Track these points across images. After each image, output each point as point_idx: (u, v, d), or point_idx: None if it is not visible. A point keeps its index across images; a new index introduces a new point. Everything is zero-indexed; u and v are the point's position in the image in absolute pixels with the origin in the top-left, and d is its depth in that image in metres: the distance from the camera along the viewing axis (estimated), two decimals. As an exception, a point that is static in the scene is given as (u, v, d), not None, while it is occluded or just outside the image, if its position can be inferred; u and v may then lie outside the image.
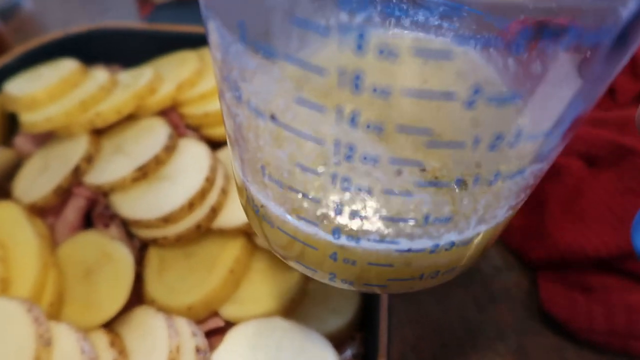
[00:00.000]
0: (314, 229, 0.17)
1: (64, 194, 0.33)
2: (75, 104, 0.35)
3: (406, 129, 0.14)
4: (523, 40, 0.12)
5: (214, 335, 0.28)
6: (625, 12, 0.11)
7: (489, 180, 0.15)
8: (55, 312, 0.28)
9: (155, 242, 0.31)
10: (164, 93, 0.37)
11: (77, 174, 0.33)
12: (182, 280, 0.30)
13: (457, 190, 0.15)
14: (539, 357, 0.36)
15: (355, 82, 0.12)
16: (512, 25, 0.11)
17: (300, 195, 0.16)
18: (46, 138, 0.37)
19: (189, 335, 0.26)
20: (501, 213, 0.17)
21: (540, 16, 0.11)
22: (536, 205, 0.39)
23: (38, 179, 0.34)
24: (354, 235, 0.16)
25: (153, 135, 0.34)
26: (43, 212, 0.33)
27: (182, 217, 0.30)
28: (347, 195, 0.15)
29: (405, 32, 0.18)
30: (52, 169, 0.34)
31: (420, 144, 0.14)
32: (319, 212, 0.16)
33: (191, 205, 0.30)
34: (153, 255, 0.31)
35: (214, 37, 0.15)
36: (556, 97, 0.14)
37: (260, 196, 0.18)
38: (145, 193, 0.32)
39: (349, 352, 0.28)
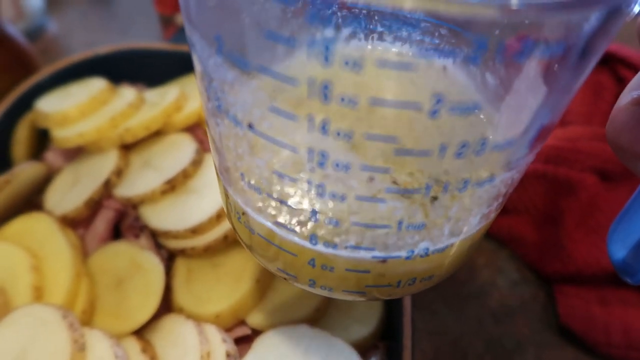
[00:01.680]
0: (291, 236, 0.17)
1: (94, 206, 0.34)
2: (105, 120, 0.36)
3: (374, 137, 0.15)
4: (500, 54, 0.12)
5: (241, 343, 0.29)
6: (587, 27, 0.12)
7: (458, 188, 0.16)
8: (87, 320, 0.29)
9: (183, 252, 0.32)
10: (190, 110, 0.38)
11: (107, 187, 0.34)
12: (209, 289, 0.30)
13: (427, 198, 0.16)
14: (558, 370, 0.36)
15: (324, 92, 0.13)
16: (490, 40, 0.12)
17: (278, 202, 0.17)
18: (75, 153, 0.38)
19: (219, 342, 0.27)
20: (474, 221, 0.18)
21: (513, 31, 0.12)
22: (551, 219, 0.40)
23: (69, 192, 0.35)
24: (330, 242, 0.17)
25: (180, 150, 0.36)
26: (73, 224, 0.34)
27: (209, 228, 0.31)
28: (322, 201, 0.16)
29: (387, 46, 0.19)
30: (83, 182, 0.35)
31: (388, 152, 0.15)
32: (296, 219, 0.17)
33: (219, 216, 0.31)
34: (181, 266, 0.32)
35: (195, 49, 0.16)
36: (521, 107, 0.15)
37: (241, 203, 0.18)
38: (174, 205, 0.33)
39: (373, 361, 0.28)
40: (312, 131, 0.14)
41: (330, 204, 0.16)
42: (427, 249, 0.17)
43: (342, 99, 0.13)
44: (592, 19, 0.12)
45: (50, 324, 0.27)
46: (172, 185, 0.33)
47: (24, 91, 0.41)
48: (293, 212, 0.17)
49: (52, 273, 0.30)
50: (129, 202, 0.33)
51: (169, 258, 0.33)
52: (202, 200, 0.33)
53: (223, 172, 0.19)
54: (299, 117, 0.14)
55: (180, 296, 0.30)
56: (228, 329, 0.29)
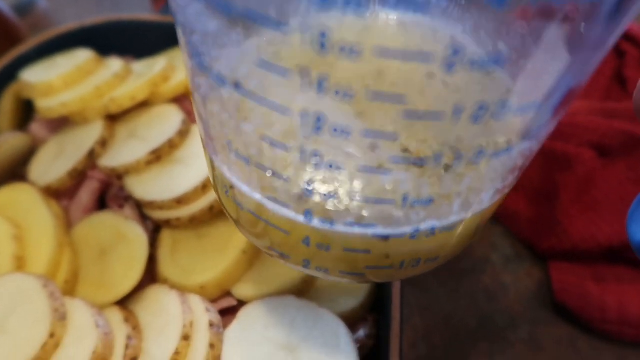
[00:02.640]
0: (284, 211, 0.16)
1: (78, 176, 0.33)
2: (90, 90, 0.35)
3: (379, 96, 0.13)
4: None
5: (227, 314, 0.28)
6: None
7: (472, 158, 0.14)
8: (69, 290, 0.29)
9: (168, 223, 0.31)
10: (177, 81, 0.37)
11: (91, 157, 0.33)
12: (195, 260, 0.30)
13: (438, 169, 0.14)
14: (551, 347, 0.36)
15: (321, 40, 0.11)
16: None
17: (269, 173, 0.15)
18: (61, 124, 0.38)
19: (202, 311, 0.26)
20: (487, 197, 0.16)
21: None
22: (546, 195, 0.39)
23: (53, 163, 0.34)
24: (327, 218, 0.15)
25: (167, 120, 0.35)
26: (58, 194, 0.33)
27: (195, 198, 0.30)
28: (319, 172, 0.14)
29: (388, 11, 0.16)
30: (67, 153, 0.34)
31: (395, 114, 0.13)
32: (289, 192, 0.15)
33: (204, 186, 0.31)
34: (166, 237, 0.31)
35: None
36: (546, 67, 0.13)
37: (228, 175, 0.16)
38: (159, 176, 0.32)
39: (361, 333, 0.28)
40: (306, 89, 0.12)
41: (327, 175, 0.14)
42: (434, 226, 0.15)
43: (342, 49, 0.11)
44: None
45: (31, 292, 0.26)
46: (158, 156, 0.32)
47: (8, 62, 0.40)
48: (286, 184, 0.15)
49: (34, 243, 0.30)
50: (114, 172, 0.33)
51: (155, 229, 0.32)
52: (188, 171, 0.32)
53: (208, 142, 0.17)
54: (291, 71, 0.12)
55: (165, 267, 0.30)
56: (214, 300, 0.29)
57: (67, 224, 0.32)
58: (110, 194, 0.33)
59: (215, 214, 0.31)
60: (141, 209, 0.32)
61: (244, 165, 0.16)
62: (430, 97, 0.13)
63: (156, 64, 0.38)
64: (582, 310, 0.36)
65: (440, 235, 0.16)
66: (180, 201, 0.30)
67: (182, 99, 0.38)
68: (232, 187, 0.17)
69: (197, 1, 0.13)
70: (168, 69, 0.38)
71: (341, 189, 0.14)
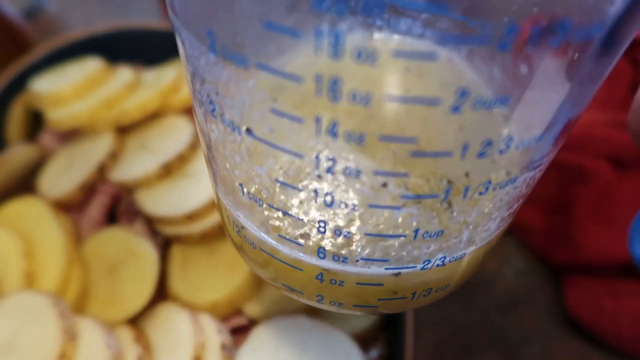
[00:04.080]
0: (297, 250, 0.16)
1: (88, 190, 0.33)
2: (100, 102, 0.35)
3: (390, 139, 0.13)
4: (510, 40, 0.11)
5: (238, 333, 0.28)
6: (613, 10, 0.11)
7: (479, 191, 0.14)
8: (79, 307, 0.29)
9: (179, 239, 0.31)
10: (188, 92, 0.37)
11: (101, 170, 0.33)
12: (205, 277, 0.30)
13: (446, 203, 0.15)
14: (565, 363, 0.35)
15: (333, 89, 0.12)
16: (495, 27, 0.11)
17: (281, 214, 0.15)
18: (70, 135, 0.37)
19: (214, 332, 0.26)
20: (493, 226, 0.16)
21: (524, 16, 0.11)
22: (561, 208, 0.39)
23: (63, 175, 0.34)
24: (340, 255, 0.15)
25: (177, 133, 0.34)
26: (67, 208, 0.33)
27: (206, 214, 0.30)
28: (331, 211, 0.14)
29: (387, 39, 0.17)
30: (77, 165, 0.34)
31: (405, 154, 0.13)
32: (301, 231, 0.15)
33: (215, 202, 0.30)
34: (176, 253, 0.31)
35: (183, 48, 0.14)
36: (545, 100, 0.13)
37: (240, 216, 0.17)
38: (170, 190, 0.32)
39: (374, 353, 0.28)
40: (319, 134, 0.13)
41: (340, 214, 0.15)
42: (444, 257, 0.16)
43: (354, 97, 0.12)
44: (617, 1, 0.11)
45: (41, 312, 0.26)
46: (168, 169, 0.32)
47: (18, 71, 0.40)
48: (298, 224, 0.15)
49: (44, 258, 0.30)
50: (124, 186, 0.32)
51: (165, 244, 0.32)
52: (199, 185, 0.31)
53: (219, 183, 0.17)
54: (305, 119, 0.13)
55: (176, 284, 0.29)
56: (224, 319, 0.28)
57: (77, 238, 0.32)
58: (120, 208, 0.32)
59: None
60: (151, 224, 0.32)
61: (256, 206, 0.16)
62: (438, 137, 0.13)
63: (165, 74, 0.38)
64: (596, 325, 0.35)
65: (450, 265, 0.16)
66: (191, 217, 0.30)
67: (191, 110, 0.37)
68: (243, 227, 0.17)
69: (209, 53, 0.13)
70: (178, 80, 0.37)
71: (353, 226, 0.15)
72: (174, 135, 0.34)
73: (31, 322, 0.26)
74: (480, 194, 0.14)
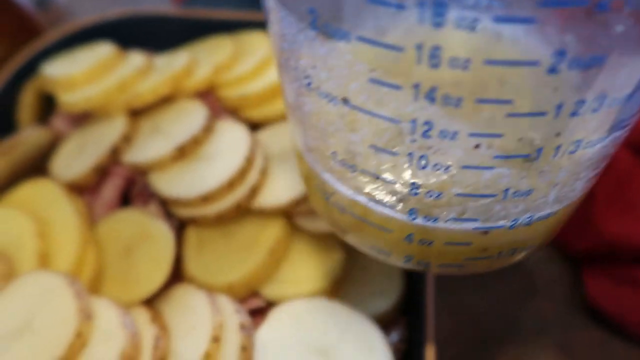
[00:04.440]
0: (389, 211, 0.17)
1: (101, 172, 0.32)
2: (113, 85, 0.35)
3: (486, 101, 0.14)
4: (608, 1, 0.12)
5: (255, 315, 0.27)
6: None
7: (569, 150, 0.15)
8: (94, 288, 0.28)
9: (194, 221, 0.30)
10: (201, 76, 0.36)
11: (115, 153, 0.33)
12: (221, 259, 0.29)
13: (537, 162, 0.15)
14: (584, 352, 0.35)
15: (434, 56, 0.12)
16: None
17: (374, 178, 0.16)
18: (82, 119, 0.37)
19: (232, 312, 0.25)
20: (580, 186, 0.17)
21: None
22: (579, 195, 0.38)
23: (76, 158, 0.34)
24: (431, 215, 0.16)
25: (191, 116, 0.34)
26: (81, 190, 0.33)
27: (221, 196, 0.30)
28: (424, 173, 0.15)
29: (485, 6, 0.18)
30: (90, 148, 0.34)
31: (500, 115, 0.14)
32: (394, 194, 0.16)
33: (231, 184, 0.30)
34: (191, 235, 0.30)
35: (279, 27, 0.15)
36: (638, 59, 0.13)
37: (331, 182, 0.18)
38: (184, 172, 0.31)
39: (394, 336, 0.27)
40: (417, 100, 0.13)
41: (433, 176, 0.15)
42: (532, 216, 0.17)
43: (454, 62, 0.12)
44: None
45: (56, 291, 0.26)
46: (182, 152, 0.32)
47: (29, 55, 0.40)
48: (391, 187, 0.16)
49: (58, 240, 0.29)
50: (138, 168, 0.32)
51: (179, 226, 0.31)
52: (213, 168, 0.31)
53: (308, 153, 0.18)
54: (403, 86, 0.13)
55: (192, 266, 0.29)
56: (241, 301, 0.28)
57: (91, 220, 0.31)
58: (135, 190, 0.32)
59: (241, 212, 0.30)
60: (166, 206, 0.31)
61: (349, 172, 0.17)
62: (533, 98, 0.14)
63: (177, 59, 0.38)
64: (617, 314, 0.35)
65: (537, 224, 0.17)
66: (206, 199, 0.30)
67: (204, 95, 0.37)
68: (334, 193, 0.18)
69: (310, 30, 0.14)
70: (191, 64, 0.37)
71: (445, 187, 0.15)
72: (187, 119, 0.34)
73: (47, 302, 0.25)
74: (571, 153, 0.15)
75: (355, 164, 0.16)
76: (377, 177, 0.16)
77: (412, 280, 0.29)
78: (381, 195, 0.17)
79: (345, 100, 0.15)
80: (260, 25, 0.41)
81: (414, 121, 0.14)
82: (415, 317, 0.28)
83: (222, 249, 0.30)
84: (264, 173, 0.31)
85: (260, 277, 0.28)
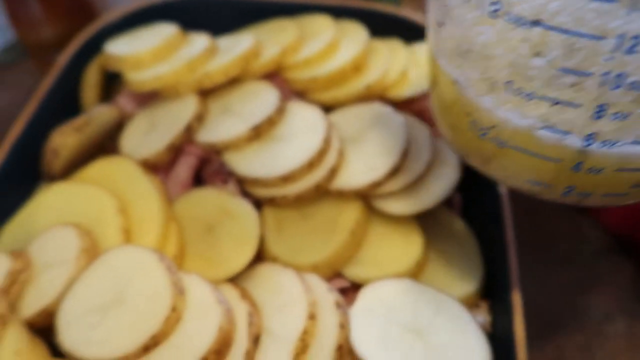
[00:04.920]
0: (562, 138, 0.16)
1: (175, 151, 0.32)
2: (183, 64, 0.34)
3: None
4: None
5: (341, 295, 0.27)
6: None
7: None
8: (177, 266, 0.28)
9: (272, 201, 0.30)
10: (268, 57, 0.36)
11: (189, 132, 0.32)
12: (303, 240, 0.29)
13: None
14: (651, 341, 0.35)
15: None
16: None
17: (553, 104, 0.16)
18: (147, 99, 0.37)
19: (325, 291, 0.25)
20: None
21: None
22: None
23: (146, 137, 0.34)
24: (610, 139, 0.16)
25: (261, 97, 0.34)
26: (153, 169, 0.32)
27: (301, 176, 0.30)
28: (616, 93, 0.15)
29: None
30: (162, 127, 0.33)
31: None
32: (573, 119, 0.16)
33: (310, 165, 0.30)
34: (269, 215, 0.30)
35: None
36: None
37: (496, 115, 0.17)
38: (260, 153, 0.31)
39: (480, 319, 0.27)
40: (631, 13, 0.13)
41: (626, 95, 0.15)
42: None
43: None
44: None
45: (147, 266, 0.26)
46: (258, 132, 0.32)
47: (91, 34, 0.40)
48: (572, 112, 0.16)
49: (139, 217, 0.29)
50: (213, 148, 0.32)
51: (255, 207, 0.31)
52: (289, 148, 0.31)
53: (469, 88, 0.18)
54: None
55: (273, 245, 0.29)
56: (326, 281, 0.28)
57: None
58: (211, 169, 0.32)
59: (319, 194, 0.30)
60: (241, 186, 0.31)
61: (524, 101, 0.16)
62: None
63: (242, 41, 0.37)
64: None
65: None
66: (286, 179, 0.29)
67: (271, 77, 0.37)
68: (494, 126, 0.18)
69: None
70: (258, 45, 0.37)
71: (632, 107, 0.15)
72: (259, 99, 0.34)
73: (138, 276, 0.25)
74: None
75: (534, 91, 0.16)
76: (556, 103, 0.16)
77: (493, 264, 0.29)
78: (557, 121, 0.16)
79: (536, 22, 0.15)
80: (321, 9, 0.41)
81: (621, 36, 0.14)
82: (500, 302, 0.27)
83: (302, 230, 0.29)
84: (341, 154, 0.31)
85: (343, 258, 0.28)
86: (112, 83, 0.40)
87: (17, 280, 0.27)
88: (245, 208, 0.29)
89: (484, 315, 0.28)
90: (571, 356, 0.34)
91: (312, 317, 0.24)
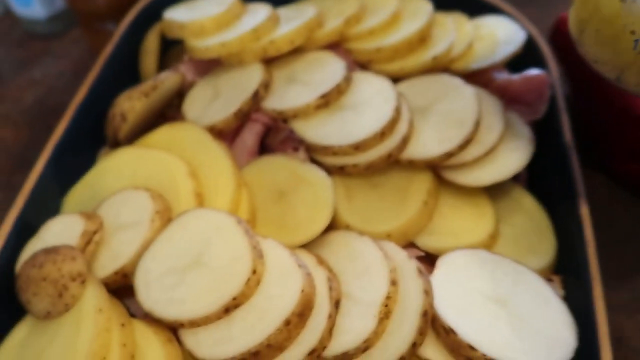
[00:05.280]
0: None
1: (242, 118, 0.32)
2: (248, 31, 0.34)
3: None
4: None
5: (414, 264, 0.27)
6: None
7: None
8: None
9: (342, 170, 0.30)
10: (332, 27, 0.36)
11: (256, 99, 0.32)
12: (373, 209, 0.29)
13: None
14: None
15: None
16: None
17: None
18: (208, 67, 0.37)
19: (404, 258, 0.25)
20: None
21: None
22: None
23: (211, 104, 0.33)
24: None
25: (327, 66, 0.33)
26: (218, 136, 0.32)
27: (373, 145, 0.29)
28: None
29: None
30: (226, 95, 0.33)
31: None
32: None
33: (382, 134, 0.29)
34: (338, 184, 0.30)
35: None
36: None
37: None
38: (329, 121, 0.31)
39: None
40: None
41: None
42: None
43: None
44: None
45: (225, 229, 0.26)
46: (327, 101, 0.31)
47: (149, 1, 0.40)
48: None
49: (210, 182, 0.29)
50: (281, 115, 0.32)
51: (324, 176, 0.31)
52: (359, 117, 0.31)
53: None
54: None
55: (345, 214, 0.29)
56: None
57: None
58: (279, 137, 0.32)
59: (389, 163, 0.30)
60: (310, 154, 0.31)
61: None
62: None
63: (306, 10, 0.37)
64: None
65: None
66: (357, 147, 0.29)
67: (334, 47, 0.36)
68: None
69: None
70: (321, 15, 0.36)
71: None
72: (324, 68, 0.33)
73: (216, 238, 0.25)
74: None
75: None
76: None
77: (565, 239, 0.29)
78: None
79: None
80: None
81: None
82: (575, 276, 0.27)
83: (372, 199, 0.29)
84: (411, 124, 0.30)
85: (416, 227, 0.28)
86: (166, 50, 0.40)
87: (92, 241, 0.27)
88: (319, 174, 0.29)
89: (556, 289, 0.27)
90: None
91: (394, 283, 0.24)
